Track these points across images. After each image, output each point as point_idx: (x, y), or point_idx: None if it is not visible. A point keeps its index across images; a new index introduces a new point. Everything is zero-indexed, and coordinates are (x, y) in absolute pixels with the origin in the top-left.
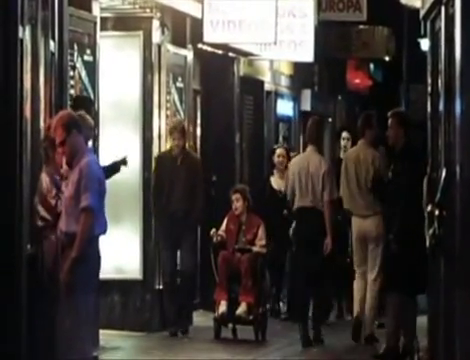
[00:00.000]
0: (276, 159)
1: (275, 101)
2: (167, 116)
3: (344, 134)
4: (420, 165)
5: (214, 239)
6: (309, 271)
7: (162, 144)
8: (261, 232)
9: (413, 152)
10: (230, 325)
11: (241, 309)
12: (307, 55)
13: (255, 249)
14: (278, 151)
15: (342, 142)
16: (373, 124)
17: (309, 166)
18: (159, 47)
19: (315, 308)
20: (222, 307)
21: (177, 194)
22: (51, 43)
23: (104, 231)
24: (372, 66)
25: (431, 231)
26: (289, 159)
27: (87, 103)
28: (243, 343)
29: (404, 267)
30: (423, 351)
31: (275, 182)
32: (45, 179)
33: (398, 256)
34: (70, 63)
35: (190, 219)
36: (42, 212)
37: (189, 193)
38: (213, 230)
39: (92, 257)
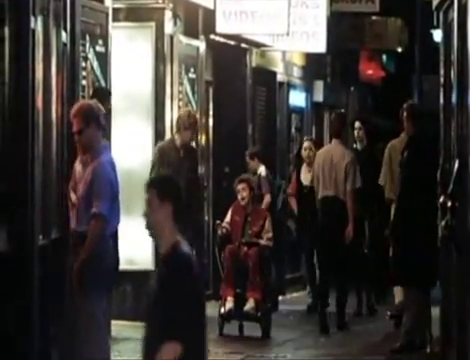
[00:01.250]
0: (303, 152)
1: (287, 92)
2: (179, 107)
3: (357, 124)
4: (428, 156)
5: (219, 231)
6: (332, 258)
7: (175, 136)
8: (268, 224)
9: (420, 143)
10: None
11: (249, 305)
12: (320, 46)
13: (262, 242)
14: (305, 144)
15: (355, 132)
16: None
17: (333, 157)
18: (171, 38)
19: (339, 294)
20: (229, 303)
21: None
22: (63, 34)
23: (116, 225)
24: (385, 57)
25: (444, 222)
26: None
27: (105, 94)
28: (250, 340)
29: (414, 260)
30: (435, 342)
31: (303, 176)
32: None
33: (406, 249)
34: (82, 54)
35: (192, 212)
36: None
37: (190, 187)
38: (217, 222)
39: (104, 258)
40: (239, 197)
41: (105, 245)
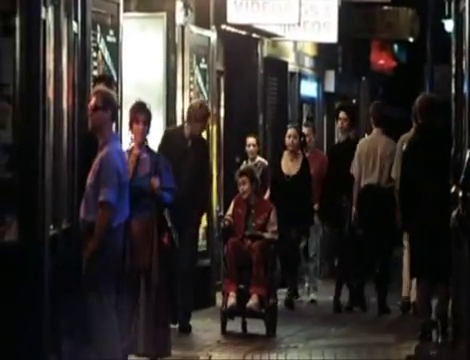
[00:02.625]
0: (287, 140)
1: (299, 82)
2: (190, 98)
3: (341, 114)
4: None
5: (221, 224)
6: (375, 243)
7: (185, 125)
8: (272, 217)
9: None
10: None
11: (252, 302)
12: (331, 36)
13: (267, 236)
14: (290, 131)
15: (339, 122)
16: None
17: (378, 147)
18: (182, 28)
19: (381, 277)
20: (231, 299)
21: (183, 178)
22: (74, 24)
23: (125, 218)
24: (396, 47)
25: (455, 212)
26: (302, 140)
27: (109, 82)
28: (254, 338)
29: (427, 253)
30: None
31: (285, 165)
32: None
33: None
34: (93, 44)
35: (195, 208)
36: None
37: (196, 179)
38: (220, 214)
39: (111, 249)
40: (240, 190)
41: (113, 236)
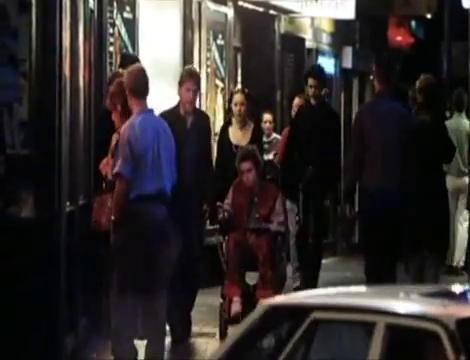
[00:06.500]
0: (233, 107)
1: (316, 59)
2: (207, 74)
3: (310, 81)
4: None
5: (220, 215)
6: None
7: (203, 102)
8: (279, 205)
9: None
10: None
11: None
12: (348, 12)
13: (273, 228)
14: (236, 98)
15: (311, 90)
16: None
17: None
18: (199, 4)
19: None
20: (236, 306)
21: (185, 163)
22: (90, 0)
23: (150, 190)
24: (414, 23)
25: None
26: (249, 108)
27: (134, 61)
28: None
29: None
30: None
31: (233, 135)
32: None
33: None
34: (109, 20)
35: (198, 196)
36: None
37: (199, 162)
38: (218, 204)
39: (131, 223)
40: (244, 178)
41: (132, 208)
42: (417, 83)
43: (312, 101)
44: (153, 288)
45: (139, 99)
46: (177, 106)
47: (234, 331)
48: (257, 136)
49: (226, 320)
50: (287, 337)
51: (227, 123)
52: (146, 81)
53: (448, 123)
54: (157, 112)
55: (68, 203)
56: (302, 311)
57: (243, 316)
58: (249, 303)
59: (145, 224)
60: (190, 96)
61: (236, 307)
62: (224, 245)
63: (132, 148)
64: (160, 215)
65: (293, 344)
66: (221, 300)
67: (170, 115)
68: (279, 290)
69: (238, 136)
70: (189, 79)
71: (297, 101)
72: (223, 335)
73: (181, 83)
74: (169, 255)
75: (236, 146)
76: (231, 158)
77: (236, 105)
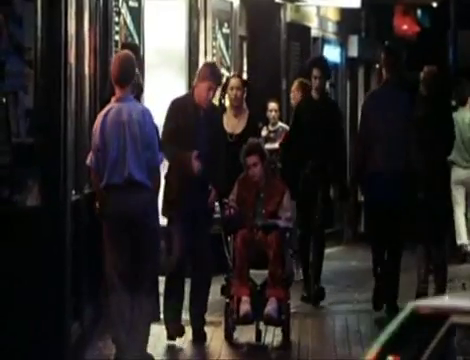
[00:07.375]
0: (230, 92)
1: (322, 47)
2: None
3: (315, 72)
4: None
5: (225, 212)
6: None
7: None
8: (286, 201)
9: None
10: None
11: (270, 306)
12: (354, 1)
13: (281, 224)
14: (232, 82)
15: (316, 82)
16: None
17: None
18: None
19: None
20: (245, 305)
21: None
22: None
23: (116, 180)
24: (419, 12)
25: None
26: (246, 94)
27: (134, 50)
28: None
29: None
30: None
31: (228, 122)
32: None
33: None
34: (115, 9)
35: (209, 190)
36: None
37: (210, 154)
38: (224, 200)
39: (104, 211)
40: (250, 173)
41: (107, 198)
42: (421, 74)
43: (313, 94)
44: (139, 276)
45: (118, 87)
46: (191, 95)
47: (381, 333)
48: (253, 124)
49: (234, 320)
50: (427, 342)
51: (221, 111)
52: (127, 69)
53: (454, 115)
54: (165, 100)
55: (73, 191)
56: (441, 316)
57: (252, 314)
58: (257, 302)
59: (119, 213)
60: (210, 95)
61: (245, 307)
62: (229, 240)
63: (94, 138)
64: (133, 201)
65: (431, 349)
66: (227, 300)
67: (183, 103)
68: (287, 288)
69: (233, 124)
70: (214, 80)
71: (296, 85)
72: (230, 336)
73: (203, 79)
74: (150, 240)
75: (230, 135)
76: (226, 147)
77: (232, 89)
